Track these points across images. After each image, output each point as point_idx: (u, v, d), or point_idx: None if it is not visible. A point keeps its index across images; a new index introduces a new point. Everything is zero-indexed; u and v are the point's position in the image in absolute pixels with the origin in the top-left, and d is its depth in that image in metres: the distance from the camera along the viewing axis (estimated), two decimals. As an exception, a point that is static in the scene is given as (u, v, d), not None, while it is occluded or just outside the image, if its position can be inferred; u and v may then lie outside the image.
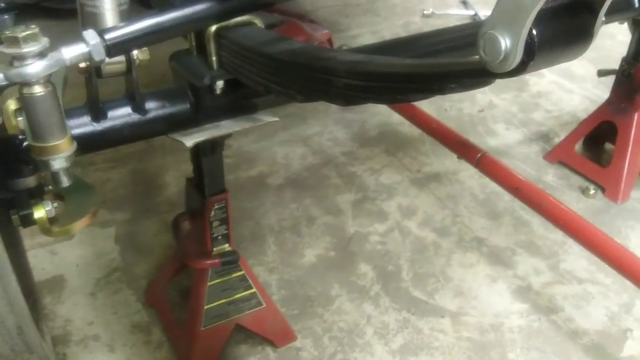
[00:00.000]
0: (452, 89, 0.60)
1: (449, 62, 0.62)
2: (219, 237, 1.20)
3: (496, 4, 0.54)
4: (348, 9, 3.09)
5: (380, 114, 2.20)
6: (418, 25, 2.94)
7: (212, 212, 1.16)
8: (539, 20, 0.51)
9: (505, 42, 0.52)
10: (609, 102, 1.82)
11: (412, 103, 1.73)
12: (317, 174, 1.89)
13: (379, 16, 3.03)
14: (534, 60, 0.52)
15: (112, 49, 0.85)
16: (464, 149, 1.52)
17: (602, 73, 1.85)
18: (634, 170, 1.79)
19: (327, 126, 2.14)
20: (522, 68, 0.52)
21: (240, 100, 1.09)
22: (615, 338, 1.38)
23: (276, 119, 1.04)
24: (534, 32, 0.52)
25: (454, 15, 3.02)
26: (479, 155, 1.48)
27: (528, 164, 1.95)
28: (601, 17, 0.56)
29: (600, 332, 1.39)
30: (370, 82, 0.70)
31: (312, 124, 2.14)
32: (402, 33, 2.85)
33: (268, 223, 1.69)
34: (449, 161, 1.96)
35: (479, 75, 0.55)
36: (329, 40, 2.20)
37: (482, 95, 2.35)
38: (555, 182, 1.88)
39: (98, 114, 0.98)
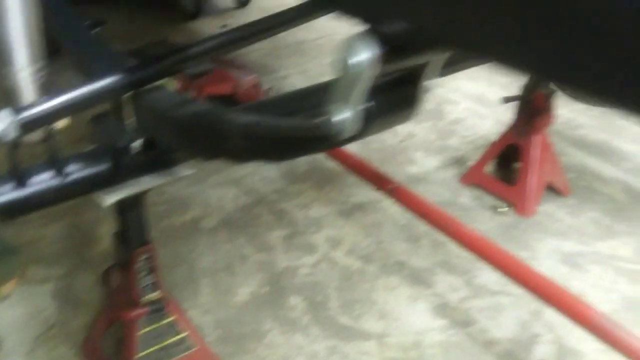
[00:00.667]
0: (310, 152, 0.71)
1: (300, 125, 0.72)
2: (147, 287, 1.27)
3: (335, 80, 0.65)
4: (278, 51, 3.23)
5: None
6: (343, 62, 3.10)
7: (139, 264, 1.23)
8: (371, 95, 0.63)
9: (344, 114, 0.63)
10: (513, 126, 1.99)
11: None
12: (250, 214, 1.98)
13: (307, 56, 3.18)
14: (369, 128, 0.64)
15: (28, 125, 0.93)
16: (379, 181, 1.64)
17: (507, 100, 2.02)
18: (539, 187, 1.97)
19: (258, 166, 2.24)
20: (359, 135, 0.64)
21: (159, 156, 1.18)
22: (525, 344, 1.51)
23: (193, 171, 1.13)
24: (367, 104, 0.63)
25: (376, 50, 3.20)
26: (391, 186, 1.61)
27: (445, 188, 2.10)
28: (422, 86, 0.68)
29: (512, 339, 1.52)
30: (254, 144, 0.81)
31: (244, 165, 2.24)
32: (328, 72, 3.00)
33: (202, 266, 1.76)
34: (372, 192, 2.08)
35: (324, 140, 0.66)
36: (256, 85, 2.32)
37: (402, 126, 2.50)
38: (470, 203, 2.03)
39: (20, 181, 1.05)
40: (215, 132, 0.84)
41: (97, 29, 2.75)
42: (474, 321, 1.57)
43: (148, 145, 1.14)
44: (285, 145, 0.72)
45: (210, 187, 2.12)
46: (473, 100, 2.70)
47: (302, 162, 2.26)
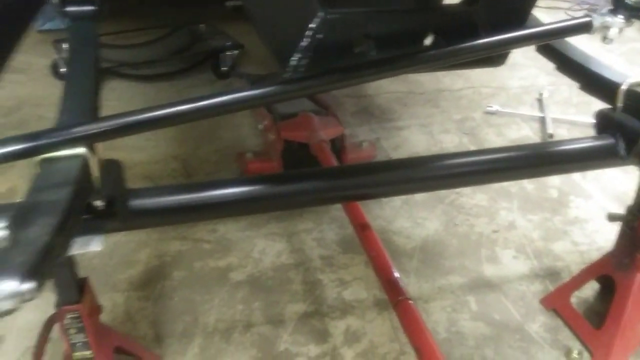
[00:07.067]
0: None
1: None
2: (79, 344, 1.21)
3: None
4: (409, 97, 3.00)
5: (381, 218, 2.09)
6: (476, 122, 2.76)
7: (67, 321, 1.18)
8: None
9: None
10: (611, 255, 1.54)
11: (367, 222, 1.62)
12: (282, 276, 1.83)
13: (438, 108, 2.90)
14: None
15: None
16: (389, 287, 1.38)
17: (612, 218, 1.57)
18: (631, 339, 1.49)
19: (321, 223, 2.07)
20: None
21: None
22: None
23: (99, 248, 1.03)
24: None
25: (519, 115, 2.79)
26: (399, 298, 1.33)
27: (517, 306, 1.71)
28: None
29: None
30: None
31: (306, 219, 2.09)
32: (452, 130, 2.70)
33: (205, 321, 1.66)
34: (428, 284, 1.79)
35: None
36: (338, 138, 2.15)
37: (507, 213, 2.12)
38: (539, 335, 1.61)
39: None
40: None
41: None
42: None
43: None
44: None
45: (261, 236, 2.01)
46: (611, 197, 2.19)
47: (370, 230, 2.04)
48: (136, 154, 2.39)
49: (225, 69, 3.11)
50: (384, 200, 2.18)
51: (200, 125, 2.62)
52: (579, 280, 1.62)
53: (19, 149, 0.86)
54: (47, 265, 0.55)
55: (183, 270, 1.85)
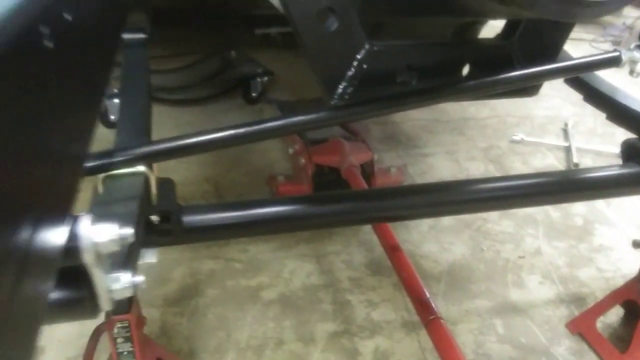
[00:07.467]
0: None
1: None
2: (125, 353, 1.27)
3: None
4: (435, 125, 3.07)
5: (408, 242, 2.13)
6: (501, 151, 2.81)
7: (115, 330, 1.24)
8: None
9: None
10: (636, 280, 1.57)
11: (398, 244, 1.67)
12: (312, 297, 1.88)
13: (464, 136, 2.96)
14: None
15: None
16: (420, 307, 1.42)
17: (637, 245, 1.61)
18: (659, 367, 1.51)
19: (349, 246, 2.12)
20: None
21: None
22: None
23: (154, 260, 1.10)
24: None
25: (545, 144, 2.84)
26: (431, 317, 1.38)
27: (543, 330, 1.74)
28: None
29: None
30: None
31: (335, 241, 2.14)
32: (478, 157, 2.75)
33: (238, 338, 1.71)
34: (455, 307, 1.83)
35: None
36: (368, 163, 2.21)
37: (532, 239, 2.16)
38: (565, 358, 1.64)
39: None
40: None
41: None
42: None
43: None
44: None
45: (291, 257, 2.06)
46: (636, 225, 2.21)
47: (397, 253, 2.08)
48: (169, 175, 2.47)
49: (255, 95, 3.21)
50: (411, 225, 2.23)
51: (231, 149, 2.70)
52: (604, 305, 1.65)
53: (88, 167, 0.94)
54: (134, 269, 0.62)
55: (216, 288, 1.91)
